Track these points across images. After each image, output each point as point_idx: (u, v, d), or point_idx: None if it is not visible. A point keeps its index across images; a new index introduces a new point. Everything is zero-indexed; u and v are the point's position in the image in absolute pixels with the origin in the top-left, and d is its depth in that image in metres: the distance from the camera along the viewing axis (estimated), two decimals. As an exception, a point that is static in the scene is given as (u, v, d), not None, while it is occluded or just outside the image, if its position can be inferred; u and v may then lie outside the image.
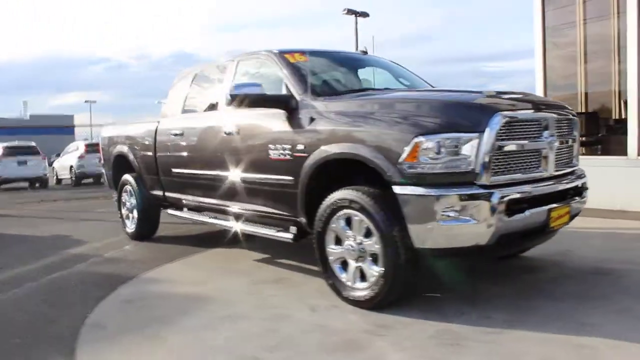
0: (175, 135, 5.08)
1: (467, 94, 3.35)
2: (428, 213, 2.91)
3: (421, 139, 2.92)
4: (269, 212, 4.06)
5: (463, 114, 3.01)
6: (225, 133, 4.35)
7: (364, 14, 26.23)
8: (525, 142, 3.12)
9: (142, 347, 2.91)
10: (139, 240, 6.03)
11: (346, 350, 2.73)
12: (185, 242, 5.91)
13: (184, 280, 4.26)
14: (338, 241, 3.46)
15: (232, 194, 4.40)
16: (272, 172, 3.87)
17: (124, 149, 6.12)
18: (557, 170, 3.35)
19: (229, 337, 2.98)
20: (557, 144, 3.30)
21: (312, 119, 3.54)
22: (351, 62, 4.52)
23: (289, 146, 3.67)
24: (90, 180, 18.39)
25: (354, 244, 3.31)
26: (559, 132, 3.35)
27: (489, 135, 2.91)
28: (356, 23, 26.15)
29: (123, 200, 6.29)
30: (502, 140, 2.98)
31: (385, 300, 3.17)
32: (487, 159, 2.92)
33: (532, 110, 3.23)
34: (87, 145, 18.49)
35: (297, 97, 3.75)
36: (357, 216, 3.25)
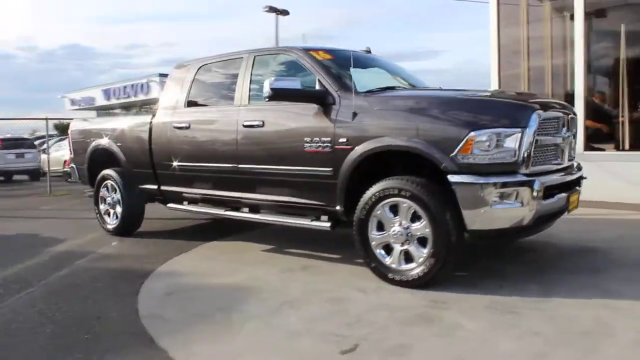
0: (180, 128, 5.04)
1: (501, 94, 3.77)
2: (481, 198, 3.28)
3: (474, 133, 3.28)
4: (298, 202, 4.22)
5: (508, 112, 3.42)
6: (246, 126, 4.44)
7: (285, 12, 26.46)
8: (551, 137, 3.60)
9: (222, 334, 2.97)
10: (122, 235, 5.86)
11: (421, 322, 3.01)
12: (172, 237, 5.86)
13: (209, 272, 4.29)
14: (379, 227, 3.73)
15: (252, 185, 4.50)
16: (306, 163, 4.04)
17: (106, 142, 5.91)
18: (567, 162, 3.89)
19: (301, 319, 3.15)
20: (570, 139, 3.83)
21: (355, 114, 3.77)
22: (363, 61, 4.78)
23: (329, 139, 3.87)
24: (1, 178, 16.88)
25: (400, 228, 3.59)
26: (569, 129, 3.88)
27: (529, 130, 3.34)
28: (277, 21, 26.34)
29: (101, 196, 6.07)
30: (537, 135, 3.43)
31: (434, 278, 3.50)
32: (527, 151, 3.35)
33: (555, 110, 3.71)
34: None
35: (334, 93, 3.95)
36: (405, 203, 3.54)
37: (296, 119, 4.14)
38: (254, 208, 4.69)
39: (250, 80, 4.58)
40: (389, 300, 3.40)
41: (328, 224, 4.02)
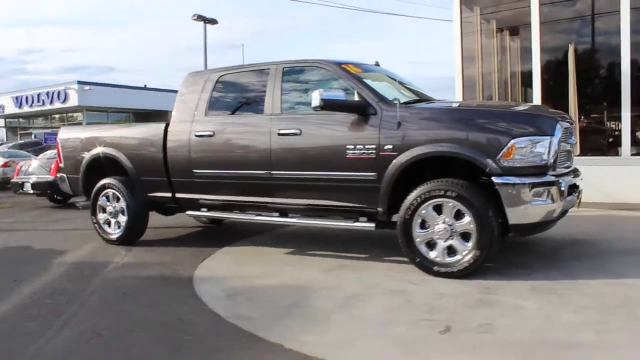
0: (202, 136, 5.14)
1: (519, 106, 4.34)
2: (522, 196, 3.80)
3: (515, 140, 3.81)
4: (336, 205, 4.53)
5: (539, 122, 3.98)
6: (281, 134, 4.67)
7: (213, 21, 26.37)
8: (565, 144, 4.22)
9: (315, 326, 3.20)
10: (124, 244, 5.81)
11: (485, 306, 3.44)
12: (176, 244, 5.94)
13: (251, 275, 4.44)
14: (422, 225, 4.14)
15: (286, 190, 4.73)
16: (347, 169, 4.36)
17: (109, 150, 5.82)
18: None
19: (378, 310, 3.46)
20: (573, 146, 4.48)
21: (399, 124, 4.16)
22: (379, 74, 5.18)
23: (374, 146, 4.23)
24: None
25: (445, 226, 4.03)
26: (572, 137, 4.53)
27: (555, 138, 3.92)
28: (205, 29, 26.15)
29: (100, 205, 5.96)
30: (559, 142, 4.02)
31: (476, 269, 3.97)
32: (554, 156, 3.92)
33: (565, 121, 4.33)
34: None
35: (374, 105, 4.32)
36: (450, 203, 3.98)
37: (336, 128, 4.45)
38: (283, 212, 4.92)
39: (281, 91, 4.82)
40: (443, 290, 3.80)
41: (372, 225, 4.36)
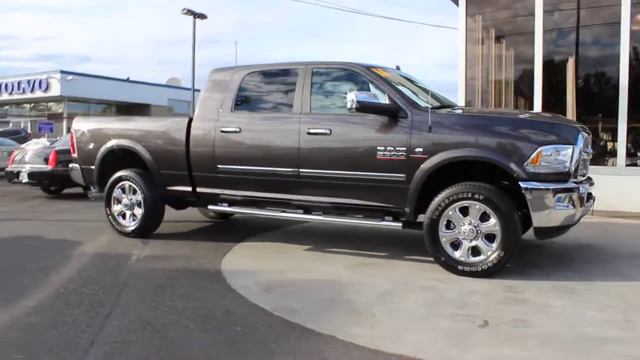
0: (228, 132, 5.23)
1: (549, 117, 4.57)
2: (547, 201, 4.02)
3: (542, 148, 4.03)
4: (362, 205, 4.68)
5: (564, 131, 4.21)
6: (311, 133, 4.80)
7: (202, 16, 26.26)
8: (583, 153, 4.46)
9: (360, 320, 3.34)
10: (139, 237, 5.86)
11: (516, 303, 3.63)
12: (192, 238, 6.06)
13: (281, 269, 4.54)
14: (448, 226, 4.33)
15: (312, 188, 4.86)
16: (377, 169, 4.52)
17: (128, 143, 5.85)
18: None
19: (416, 305, 3.62)
20: (589, 155, 4.74)
21: (431, 128, 4.33)
22: (404, 78, 5.35)
23: (404, 148, 4.40)
24: None
25: (470, 227, 4.22)
26: (588, 147, 4.78)
27: (577, 147, 4.16)
28: (194, 23, 26.03)
29: (115, 197, 5.99)
30: (580, 151, 4.26)
31: (500, 268, 4.17)
32: (576, 164, 4.16)
33: (584, 131, 4.58)
34: None
35: (405, 108, 4.49)
36: (477, 205, 4.18)
37: (367, 130, 4.60)
38: (307, 209, 5.05)
39: (311, 91, 4.95)
40: (471, 288, 3.99)
41: (400, 224, 4.54)
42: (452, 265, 4.31)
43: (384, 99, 4.58)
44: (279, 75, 5.28)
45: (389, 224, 4.60)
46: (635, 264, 4.69)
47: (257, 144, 5.13)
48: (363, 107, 4.37)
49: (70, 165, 6.55)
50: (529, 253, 5.03)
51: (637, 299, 3.72)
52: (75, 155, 6.39)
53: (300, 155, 4.85)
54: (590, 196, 4.53)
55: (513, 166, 4.07)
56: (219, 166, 5.31)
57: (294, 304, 3.64)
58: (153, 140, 5.75)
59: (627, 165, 7.51)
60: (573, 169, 4.15)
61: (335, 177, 4.74)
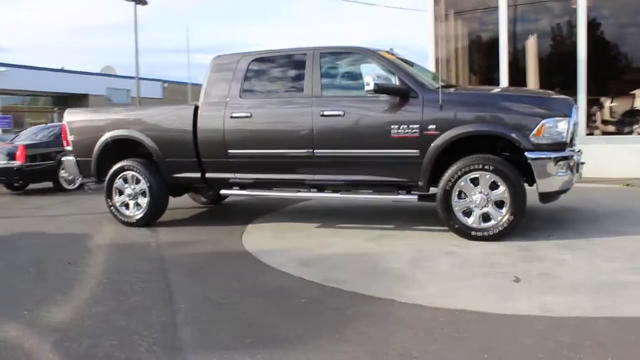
0: (238, 117, 5.35)
1: (543, 92, 5.02)
2: (550, 169, 4.48)
3: (545, 120, 4.47)
4: (378, 180, 4.98)
5: (560, 105, 4.68)
6: (325, 115, 5.02)
7: (143, 2, 25.45)
8: (574, 125, 4.96)
9: (411, 283, 3.65)
10: (144, 226, 5.90)
11: (535, 260, 4.08)
12: (197, 223, 6.19)
13: (306, 246, 4.75)
14: (459, 196, 4.72)
15: (328, 167, 5.10)
16: (392, 147, 4.82)
17: (130, 133, 5.83)
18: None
19: (449, 268, 3.98)
20: (577, 127, 5.25)
21: (441, 106, 4.67)
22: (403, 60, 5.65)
23: (417, 126, 4.72)
24: None
25: (481, 195, 4.63)
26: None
27: (572, 119, 4.64)
28: (135, 10, 25.18)
29: (117, 187, 5.97)
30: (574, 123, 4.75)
31: (509, 231, 4.62)
32: (571, 134, 4.65)
33: (575, 104, 5.07)
34: None
35: (415, 88, 4.80)
36: (488, 175, 4.58)
37: (379, 110, 4.88)
38: (321, 188, 5.30)
39: (320, 75, 5.15)
40: (488, 250, 4.41)
41: (415, 197, 4.88)
42: (465, 232, 4.71)
43: (394, 81, 4.87)
44: (286, 61, 5.44)
45: (404, 197, 4.94)
46: (617, 222, 5.29)
47: (270, 128, 5.29)
48: (380, 89, 4.65)
49: (64, 158, 6.41)
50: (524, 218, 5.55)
51: (633, 250, 4.27)
52: (69, 147, 6.26)
53: (315, 137, 5.07)
54: (579, 164, 5.07)
55: (520, 138, 4.50)
56: (230, 151, 5.42)
57: (340, 275, 3.91)
58: (158, 129, 5.76)
59: (587, 134, 8.25)
60: (569, 139, 4.63)
61: (350, 155, 5.01)
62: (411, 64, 5.78)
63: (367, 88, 4.64)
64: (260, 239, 5.19)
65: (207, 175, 5.64)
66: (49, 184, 9.92)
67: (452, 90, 4.99)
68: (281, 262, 4.32)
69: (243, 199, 7.60)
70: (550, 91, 5.39)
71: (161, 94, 40.09)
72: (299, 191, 5.35)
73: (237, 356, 2.65)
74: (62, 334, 2.96)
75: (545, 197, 4.70)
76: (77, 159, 6.23)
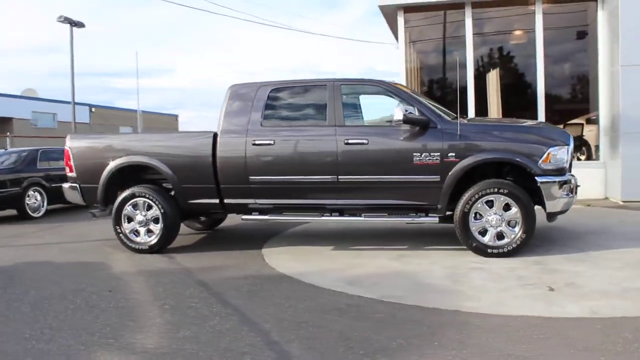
0: (261, 145, 5.53)
1: (544, 124, 5.66)
2: (556, 191, 5.08)
3: (551, 149, 5.08)
4: (400, 204, 5.35)
5: (561, 135, 5.32)
6: (349, 143, 5.35)
7: (81, 24, 24.65)
8: (571, 152, 5.61)
9: (464, 295, 4.01)
10: (155, 252, 5.88)
11: (553, 272, 4.58)
12: (204, 248, 6.20)
13: (333, 268, 4.99)
14: (475, 217, 5.20)
15: (351, 192, 5.40)
16: (414, 173, 5.22)
17: (144, 159, 5.81)
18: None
19: (485, 281, 4.38)
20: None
21: (460, 135, 5.16)
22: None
23: (438, 154, 5.16)
24: None
25: (496, 216, 5.13)
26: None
27: (570, 147, 5.30)
28: (71, 32, 24.31)
29: (126, 214, 5.90)
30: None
31: (522, 249, 5.14)
32: (570, 161, 5.30)
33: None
34: None
35: (434, 119, 5.26)
36: (502, 197, 5.10)
37: (401, 138, 5.28)
38: (342, 212, 5.58)
39: (342, 105, 5.49)
40: (508, 265, 4.87)
41: (436, 219, 5.29)
42: (482, 250, 5.18)
43: (415, 112, 5.30)
44: (306, 91, 5.74)
45: (426, 219, 5.34)
46: (607, 237, 5.98)
47: (294, 155, 5.52)
48: (407, 120, 5.07)
49: (66, 185, 6.22)
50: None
51: (633, 260, 4.90)
52: (72, 174, 6.10)
53: (340, 164, 5.37)
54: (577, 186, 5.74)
55: (531, 165, 5.07)
56: (251, 177, 5.58)
57: (392, 292, 4.19)
58: (174, 156, 5.79)
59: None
60: (568, 164, 5.28)
61: (374, 181, 5.35)
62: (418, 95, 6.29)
63: (395, 118, 5.04)
64: (286, 263, 5.34)
65: (226, 201, 5.74)
66: (11, 212, 9.42)
67: (465, 121, 5.50)
68: (327, 282, 4.52)
69: (238, 224, 7.69)
70: (544, 122, 6.08)
71: (89, 118, 38.50)
72: (322, 215, 5.59)
73: (360, 365, 2.86)
74: (171, 357, 3.01)
75: (551, 216, 5.29)
76: (82, 185, 6.08)
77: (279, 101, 5.76)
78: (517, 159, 5.10)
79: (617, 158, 8.32)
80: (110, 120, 41.66)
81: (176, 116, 54.91)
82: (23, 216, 9.32)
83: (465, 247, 5.30)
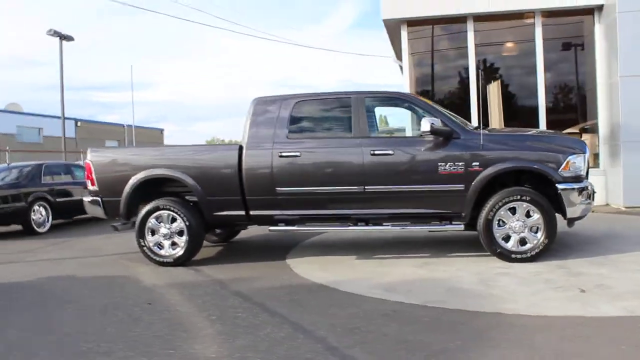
0: (288, 157, 5.63)
1: (559, 133, 5.87)
2: (575, 198, 5.27)
3: (571, 157, 5.28)
4: (425, 213, 5.49)
5: (578, 143, 5.53)
6: (375, 154, 5.48)
7: (70, 38, 24.56)
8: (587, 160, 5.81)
9: (497, 298, 4.14)
10: (181, 265, 5.91)
11: (578, 275, 4.75)
12: (229, 261, 6.22)
13: (363, 277, 5.07)
14: (499, 224, 5.36)
15: (378, 202, 5.52)
16: (439, 182, 5.37)
17: (171, 172, 5.87)
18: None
19: (516, 285, 4.52)
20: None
21: (483, 145, 5.33)
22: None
23: (462, 163, 5.32)
24: None
25: (519, 223, 5.29)
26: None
27: (586, 155, 5.51)
28: (61, 46, 24.17)
29: (150, 227, 5.93)
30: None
31: (544, 254, 5.31)
32: (586, 168, 5.50)
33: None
34: None
35: (457, 130, 5.43)
36: (524, 204, 5.27)
37: (426, 149, 5.43)
38: (367, 221, 5.69)
39: (367, 117, 5.63)
40: (533, 270, 5.02)
41: (461, 226, 5.44)
42: (506, 255, 5.34)
43: (439, 124, 5.46)
44: (330, 104, 5.87)
45: (451, 227, 5.49)
46: (618, 241, 6.21)
47: (321, 166, 5.63)
48: (434, 131, 5.23)
49: (88, 199, 6.22)
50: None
51: (649, 262, 5.12)
52: (94, 187, 6.11)
53: (366, 174, 5.49)
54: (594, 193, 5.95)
55: (552, 172, 5.26)
56: (278, 189, 5.67)
57: (432, 297, 4.30)
58: (200, 169, 5.86)
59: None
60: (585, 172, 5.48)
61: (400, 190, 5.49)
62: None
63: (422, 130, 5.20)
64: (315, 272, 5.41)
65: (252, 212, 5.81)
66: (16, 227, 9.34)
67: (486, 131, 5.68)
68: (363, 290, 4.61)
69: (252, 236, 7.76)
70: (559, 131, 6.31)
71: (75, 133, 38.15)
72: (349, 225, 5.70)
73: (427, 367, 2.97)
74: (238, 365, 3.08)
75: (571, 221, 5.48)
76: (104, 199, 6.10)
77: (304, 114, 5.88)
78: (539, 167, 5.29)
79: (617, 166, 8.61)
80: (96, 134, 41.36)
81: (162, 130, 54.81)
82: (28, 231, 9.25)
83: (487, 253, 5.46)
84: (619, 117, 8.54)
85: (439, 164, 5.38)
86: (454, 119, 5.62)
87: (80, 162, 12.61)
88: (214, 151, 5.99)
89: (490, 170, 5.31)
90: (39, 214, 9.54)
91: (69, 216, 10.48)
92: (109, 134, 43.76)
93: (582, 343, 3.21)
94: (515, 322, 3.65)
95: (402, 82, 10.04)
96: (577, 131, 10.40)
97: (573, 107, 10.06)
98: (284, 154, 5.67)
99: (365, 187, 5.52)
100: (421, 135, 5.35)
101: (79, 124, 38.66)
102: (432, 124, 5.20)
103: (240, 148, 5.82)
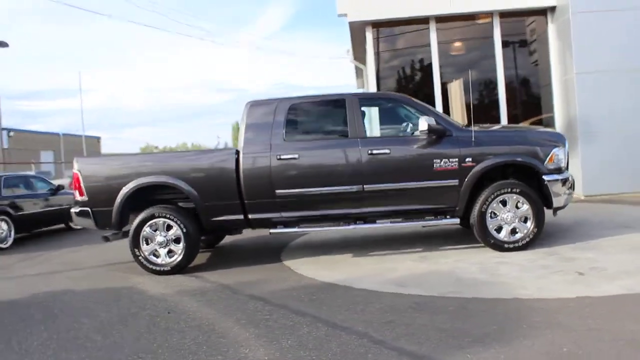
0: (286, 159, 5.68)
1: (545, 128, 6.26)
2: (559, 188, 5.67)
3: (555, 150, 5.67)
4: (422, 208, 5.71)
5: (560, 137, 5.93)
6: (372, 154, 5.64)
7: (4, 44, 23.25)
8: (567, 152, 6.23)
9: (511, 286, 4.40)
10: (176, 273, 5.83)
11: (570, 260, 5.11)
12: (225, 266, 6.19)
13: (367, 274, 5.21)
14: (491, 215, 5.67)
15: (376, 200, 5.69)
16: (435, 178, 5.61)
17: (167, 179, 5.76)
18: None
19: (520, 272, 4.81)
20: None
21: (474, 142, 5.61)
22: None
23: (456, 159, 5.59)
24: None
25: (510, 214, 5.63)
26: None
27: (566, 148, 5.92)
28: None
29: (145, 236, 5.81)
30: (565, 151, 6.05)
31: (533, 242, 5.66)
32: (567, 160, 5.92)
33: (563, 135, 6.39)
34: None
35: (450, 128, 5.69)
36: (514, 196, 5.60)
37: (420, 147, 5.65)
38: (365, 219, 5.85)
39: (362, 118, 5.78)
40: (527, 257, 5.35)
41: (457, 220, 5.70)
42: (499, 245, 5.65)
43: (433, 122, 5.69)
44: (324, 106, 5.97)
45: (447, 221, 5.74)
46: (592, 227, 6.65)
47: (320, 168, 5.72)
48: (431, 130, 5.45)
49: (76, 210, 5.98)
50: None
51: (628, 244, 5.57)
52: (83, 197, 5.89)
53: (364, 174, 5.64)
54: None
55: (539, 165, 5.63)
56: (277, 191, 5.70)
57: (446, 288, 4.51)
58: (196, 175, 5.79)
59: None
60: (566, 163, 5.90)
61: (397, 188, 5.67)
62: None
63: (420, 128, 5.42)
64: (319, 272, 5.49)
65: (251, 216, 5.82)
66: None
67: (476, 128, 5.98)
68: (377, 286, 4.74)
69: (235, 240, 7.72)
70: (539, 126, 6.73)
71: (6, 143, 35.97)
72: (350, 224, 5.82)
73: (478, 348, 3.15)
74: (296, 364, 3.13)
75: (555, 211, 5.88)
76: (94, 209, 5.89)
77: (299, 116, 5.96)
78: (528, 161, 5.64)
79: (575, 157, 9.24)
80: (29, 144, 39.20)
81: (98, 138, 52.64)
82: (-12, 247, 8.72)
83: (476, 244, 5.82)
84: (575, 111, 9.18)
85: (435, 160, 5.62)
86: (447, 118, 5.89)
87: (32, 173, 12.00)
88: (211, 157, 5.94)
89: (483, 165, 5.61)
90: (0, 228, 9.02)
91: (31, 230, 9.97)
92: (44, 144, 41.62)
93: (604, 320, 3.50)
94: (534, 305, 3.92)
95: (354, 82, 10.35)
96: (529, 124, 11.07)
97: (531, 102, 10.67)
98: (282, 156, 5.71)
99: (365, 186, 5.67)
100: (413, 134, 5.57)
101: (11, 133, 36.43)
102: (429, 122, 5.43)
103: (237, 152, 5.81)
